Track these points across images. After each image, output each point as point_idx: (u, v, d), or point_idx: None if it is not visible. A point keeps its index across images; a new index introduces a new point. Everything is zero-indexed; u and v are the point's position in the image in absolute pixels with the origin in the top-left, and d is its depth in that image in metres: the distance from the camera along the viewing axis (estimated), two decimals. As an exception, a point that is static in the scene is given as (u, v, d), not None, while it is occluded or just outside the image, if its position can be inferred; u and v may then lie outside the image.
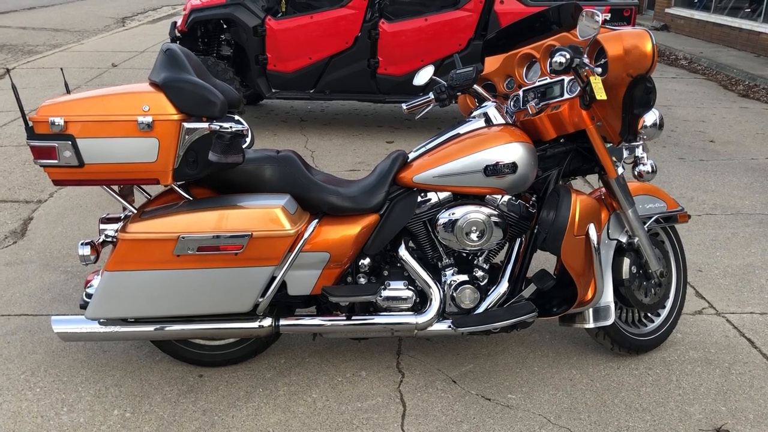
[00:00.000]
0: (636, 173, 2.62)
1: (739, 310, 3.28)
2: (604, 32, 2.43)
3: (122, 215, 2.53)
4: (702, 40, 11.87)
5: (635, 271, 2.75)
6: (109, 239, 2.51)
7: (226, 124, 2.25)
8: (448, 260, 2.65)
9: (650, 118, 2.50)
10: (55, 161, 2.22)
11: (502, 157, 2.48)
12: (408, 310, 2.60)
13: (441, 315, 2.60)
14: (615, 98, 2.45)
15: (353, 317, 2.57)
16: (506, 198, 2.59)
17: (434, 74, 2.76)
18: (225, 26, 6.16)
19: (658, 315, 2.93)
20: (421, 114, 2.80)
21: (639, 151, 2.60)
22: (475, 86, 2.70)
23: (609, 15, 5.89)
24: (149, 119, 2.20)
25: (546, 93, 2.56)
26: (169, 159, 2.25)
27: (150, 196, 2.57)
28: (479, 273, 2.65)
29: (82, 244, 2.44)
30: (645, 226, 2.73)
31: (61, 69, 2.74)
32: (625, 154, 2.64)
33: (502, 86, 2.85)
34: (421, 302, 2.62)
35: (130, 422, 2.46)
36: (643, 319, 2.92)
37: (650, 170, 2.60)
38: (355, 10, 5.76)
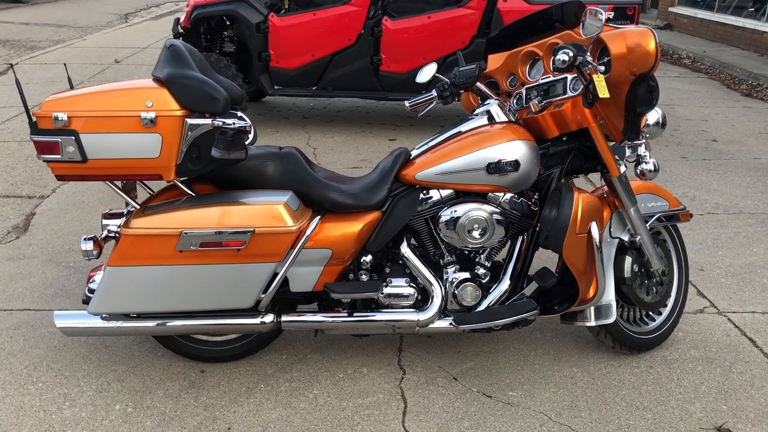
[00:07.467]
0: (638, 172, 2.62)
1: (741, 309, 3.28)
2: (607, 30, 2.43)
3: (125, 211, 2.54)
4: (705, 39, 11.84)
5: (637, 269, 2.75)
6: (112, 235, 2.51)
7: (228, 120, 2.25)
8: (450, 257, 2.65)
9: (653, 116, 2.50)
10: (59, 156, 2.22)
11: (504, 155, 2.48)
12: (409, 307, 2.60)
13: (442, 312, 2.60)
14: (618, 96, 2.44)
15: (355, 314, 2.58)
16: (508, 196, 2.59)
17: (437, 72, 2.76)
18: (228, 23, 6.16)
19: (660, 313, 2.93)
20: (423, 111, 2.80)
21: (641, 150, 2.61)
22: (478, 84, 2.70)
23: (612, 13, 5.88)
24: (152, 115, 2.20)
25: (549, 91, 2.56)
26: (172, 155, 2.25)
27: (153, 191, 2.57)
28: (481, 270, 2.65)
29: (84, 239, 2.45)
30: (647, 225, 2.73)
31: (65, 65, 2.74)
32: (628, 152, 2.64)
33: (505, 84, 2.85)
34: (422, 299, 2.63)
35: (131, 417, 2.47)
36: (645, 318, 2.93)
37: (653, 169, 2.60)
38: (358, 7, 5.76)
